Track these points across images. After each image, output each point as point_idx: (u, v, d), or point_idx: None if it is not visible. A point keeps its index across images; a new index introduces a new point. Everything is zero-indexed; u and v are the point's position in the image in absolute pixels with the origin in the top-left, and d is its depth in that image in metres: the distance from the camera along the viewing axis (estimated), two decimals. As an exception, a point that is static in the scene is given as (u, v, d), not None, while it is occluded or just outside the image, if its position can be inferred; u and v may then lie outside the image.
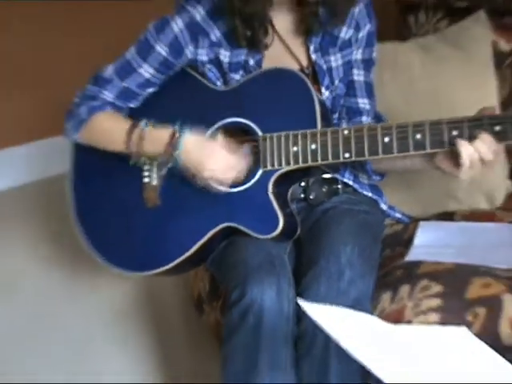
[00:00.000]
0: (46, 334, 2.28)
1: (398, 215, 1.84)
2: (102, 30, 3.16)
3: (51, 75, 3.16)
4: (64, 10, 3.09)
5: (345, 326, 1.00)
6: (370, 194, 1.77)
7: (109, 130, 1.66)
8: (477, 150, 1.37)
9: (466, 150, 1.38)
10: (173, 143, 1.55)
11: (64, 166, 2.94)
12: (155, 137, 1.58)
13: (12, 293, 2.48)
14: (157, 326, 2.29)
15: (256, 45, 1.62)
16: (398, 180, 1.88)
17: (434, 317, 1.44)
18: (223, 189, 1.57)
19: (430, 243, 1.71)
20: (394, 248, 1.75)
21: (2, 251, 2.71)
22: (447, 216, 1.91)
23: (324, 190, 1.74)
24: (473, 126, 1.40)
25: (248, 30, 1.58)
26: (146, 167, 1.66)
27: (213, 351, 2.08)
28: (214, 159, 1.53)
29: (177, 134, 1.55)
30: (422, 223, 1.80)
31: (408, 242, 1.72)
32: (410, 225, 1.83)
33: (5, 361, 2.16)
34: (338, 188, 1.75)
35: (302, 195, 1.73)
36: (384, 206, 1.80)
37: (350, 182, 1.75)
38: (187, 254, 1.61)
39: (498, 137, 1.39)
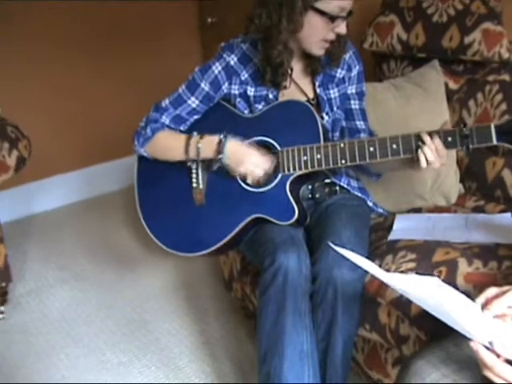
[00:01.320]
0: (107, 311, 2.52)
1: (380, 210, 2.08)
2: (143, 78, 3.45)
3: (102, 116, 3.45)
4: (115, 58, 3.40)
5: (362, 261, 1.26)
6: (359, 194, 2.03)
7: (170, 142, 1.90)
8: (434, 144, 1.64)
9: (428, 148, 1.64)
10: (220, 147, 1.80)
11: (109, 187, 3.28)
12: (207, 143, 1.83)
13: (78, 282, 2.72)
14: (194, 302, 2.54)
15: (278, 85, 1.89)
16: (381, 185, 2.12)
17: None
18: (253, 189, 1.85)
19: (405, 228, 1.96)
20: (378, 233, 1.98)
21: (64, 253, 2.97)
22: (416, 211, 2.15)
23: (326, 191, 2.00)
24: (437, 138, 1.65)
25: (274, 74, 1.85)
26: (194, 175, 1.90)
27: (238, 319, 2.38)
28: (249, 160, 1.78)
29: (222, 140, 1.80)
30: (398, 215, 2.05)
31: (388, 229, 1.97)
32: (389, 217, 2.07)
33: (78, 334, 2.40)
34: (336, 189, 2.01)
35: (310, 195, 1.98)
36: (370, 203, 2.05)
37: (345, 185, 2.01)
38: (228, 237, 1.86)
39: (449, 145, 1.65)
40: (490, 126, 1.60)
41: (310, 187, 1.99)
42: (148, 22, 3.43)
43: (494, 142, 1.60)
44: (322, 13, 1.74)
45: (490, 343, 1.08)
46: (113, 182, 3.47)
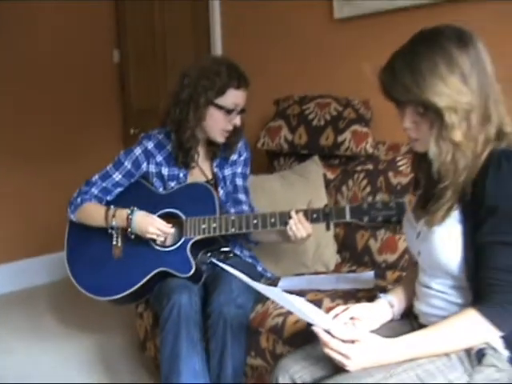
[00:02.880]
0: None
1: (268, 274, 2.61)
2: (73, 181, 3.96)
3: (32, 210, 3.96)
4: (48, 163, 3.98)
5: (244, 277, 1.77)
6: (250, 261, 2.58)
7: (93, 212, 2.45)
8: (299, 221, 2.19)
9: (293, 221, 2.20)
10: (128, 222, 2.35)
11: (39, 280, 3.73)
12: (119, 217, 2.37)
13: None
14: (112, 370, 2.94)
15: (188, 166, 2.48)
16: (272, 256, 2.67)
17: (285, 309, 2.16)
18: (161, 248, 2.37)
19: (288, 285, 2.49)
20: (266, 292, 2.52)
21: None
22: (300, 275, 2.68)
23: (222, 256, 2.54)
24: (302, 214, 2.21)
25: (184, 156, 2.45)
26: (114, 235, 2.43)
27: (152, 378, 2.78)
28: (153, 228, 2.31)
29: (130, 216, 2.34)
30: (282, 277, 2.60)
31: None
32: (276, 280, 2.57)
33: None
34: (230, 256, 2.55)
35: (209, 260, 2.52)
36: (260, 268, 2.60)
37: (238, 253, 2.56)
38: (138, 285, 2.37)
39: (315, 220, 2.18)
40: (345, 207, 2.13)
41: (209, 254, 2.52)
42: (78, 134, 4.11)
43: (348, 218, 2.12)
44: (220, 107, 2.38)
45: (328, 329, 1.60)
46: (43, 276, 3.96)
